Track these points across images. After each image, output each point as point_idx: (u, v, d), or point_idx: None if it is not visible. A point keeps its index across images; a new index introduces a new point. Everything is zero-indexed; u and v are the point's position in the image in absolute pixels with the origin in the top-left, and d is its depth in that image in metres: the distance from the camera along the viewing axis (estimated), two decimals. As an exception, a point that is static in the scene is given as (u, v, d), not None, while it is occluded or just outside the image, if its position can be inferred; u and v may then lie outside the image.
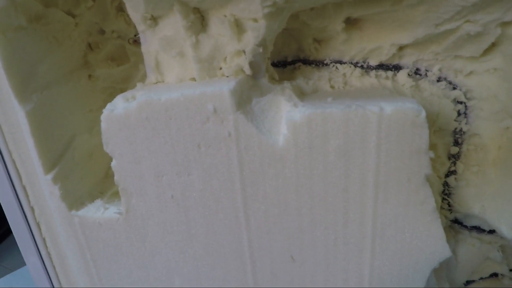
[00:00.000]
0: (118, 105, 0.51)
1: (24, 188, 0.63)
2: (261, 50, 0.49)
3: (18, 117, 0.55)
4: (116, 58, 0.71)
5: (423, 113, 0.41)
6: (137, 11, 0.50)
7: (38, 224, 0.67)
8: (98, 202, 0.62)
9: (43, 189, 0.60)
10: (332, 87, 0.58)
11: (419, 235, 0.46)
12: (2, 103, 0.55)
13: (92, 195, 0.64)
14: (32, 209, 0.65)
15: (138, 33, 0.69)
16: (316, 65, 0.62)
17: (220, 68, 0.52)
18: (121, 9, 0.67)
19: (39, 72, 0.57)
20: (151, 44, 0.54)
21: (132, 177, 0.53)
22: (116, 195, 0.66)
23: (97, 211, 0.60)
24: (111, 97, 0.72)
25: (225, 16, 0.48)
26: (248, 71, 0.49)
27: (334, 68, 0.60)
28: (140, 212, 0.56)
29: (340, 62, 0.60)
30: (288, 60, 0.63)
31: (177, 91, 0.46)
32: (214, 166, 0.49)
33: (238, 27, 0.48)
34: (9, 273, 1.18)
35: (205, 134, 0.47)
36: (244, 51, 0.49)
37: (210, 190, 0.51)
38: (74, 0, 0.61)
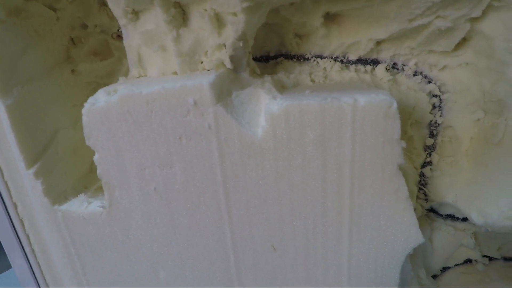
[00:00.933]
0: (100, 99, 0.51)
1: (6, 184, 0.63)
2: (241, 44, 0.50)
3: (-1, 111, 0.55)
4: (100, 53, 0.71)
5: (395, 105, 0.42)
6: (118, 5, 0.51)
7: (21, 221, 0.67)
8: (82, 196, 0.62)
9: (25, 184, 0.60)
10: (312, 80, 0.60)
11: (394, 223, 0.48)
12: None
13: (76, 189, 0.64)
14: (15, 205, 0.65)
15: (119, 29, 0.70)
16: (298, 59, 0.63)
17: (201, 62, 0.53)
18: (103, 3, 0.66)
19: (20, 66, 0.57)
20: (133, 38, 0.54)
21: (114, 170, 0.53)
22: (100, 189, 0.66)
23: (81, 206, 0.60)
24: (94, 91, 0.72)
25: (205, 10, 0.49)
26: (228, 65, 0.50)
27: (315, 62, 0.61)
28: (123, 205, 0.56)
29: (321, 57, 0.61)
30: (271, 55, 0.65)
31: (158, 84, 0.47)
32: (196, 158, 0.50)
33: (218, 21, 0.49)
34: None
35: (186, 127, 0.48)
36: (224, 45, 0.50)
37: (192, 182, 0.51)
38: (53, -6, 0.61)
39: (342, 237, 0.50)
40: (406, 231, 0.48)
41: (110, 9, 0.66)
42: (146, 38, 0.52)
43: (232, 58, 0.51)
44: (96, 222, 0.59)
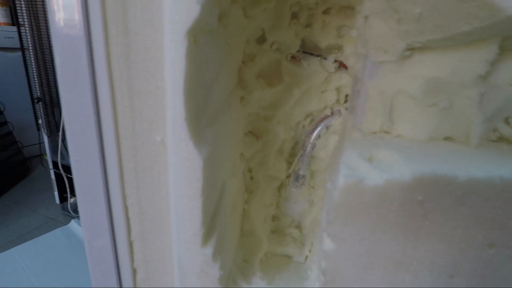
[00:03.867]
0: (361, 169, 0.34)
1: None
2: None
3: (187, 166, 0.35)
4: (267, 76, 0.53)
5: None
6: (404, 38, 0.34)
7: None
8: (257, 280, 0.44)
9: (193, 269, 0.41)
10: None
11: None
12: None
13: (238, 266, 0.46)
14: None
15: (301, 50, 0.53)
16: None
17: (494, 130, 0.38)
18: (296, 16, 0.49)
19: (213, 95, 0.38)
20: (391, 81, 0.38)
21: (352, 272, 0.37)
22: (267, 266, 0.48)
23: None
24: (250, 126, 0.55)
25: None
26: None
27: None
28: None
29: None
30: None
31: (486, 169, 0.31)
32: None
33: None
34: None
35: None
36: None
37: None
38: (254, -3, 0.43)
39: None
40: None
41: (300, 24, 0.50)
42: (429, 87, 0.36)
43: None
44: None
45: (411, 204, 0.33)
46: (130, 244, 0.47)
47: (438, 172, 0.32)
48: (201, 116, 0.36)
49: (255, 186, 0.58)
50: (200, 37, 0.33)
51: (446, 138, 0.38)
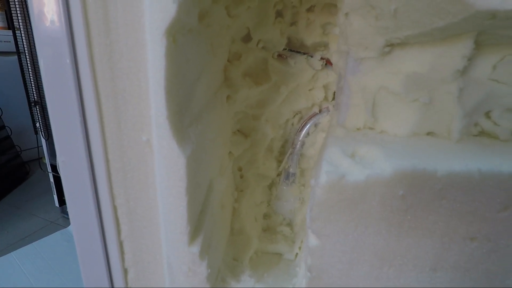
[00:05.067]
0: (343, 166, 0.35)
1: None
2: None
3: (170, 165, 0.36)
4: (254, 75, 0.53)
5: None
6: (383, 34, 0.35)
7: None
8: (248, 280, 0.44)
9: (180, 268, 0.41)
10: None
11: None
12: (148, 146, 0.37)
13: (228, 265, 0.46)
14: None
15: (287, 48, 0.54)
16: None
17: (476, 125, 0.38)
18: (280, 14, 0.50)
19: (195, 95, 0.39)
20: (373, 77, 0.38)
21: (337, 267, 0.37)
22: (257, 263, 0.49)
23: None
24: (238, 124, 0.55)
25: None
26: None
27: None
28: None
29: None
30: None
31: (465, 163, 0.31)
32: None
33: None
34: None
35: (495, 225, 0.33)
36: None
37: None
38: (237, -4, 0.43)
39: None
40: None
41: (285, 22, 0.50)
42: (409, 82, 0.36)
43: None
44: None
45: (393, 199, 0.33)
46: (120, 244, 0.47)
47: (418, 167, 0.32)
48: (183, 115, 0.36)
49: (245, 185, 0.58)
50: (179, 36, 0.33)
51: (429, 133, 0.38)
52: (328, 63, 0.53)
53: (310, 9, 0.49)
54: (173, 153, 0.35)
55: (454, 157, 0.33)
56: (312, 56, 0.53)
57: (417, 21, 0.31)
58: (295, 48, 0.53)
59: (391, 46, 0.36)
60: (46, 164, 1.84)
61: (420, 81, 0.36)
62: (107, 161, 0.42)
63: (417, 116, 0.37)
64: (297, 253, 0.54)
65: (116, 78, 0.38)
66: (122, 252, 0.48)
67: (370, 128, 0.41)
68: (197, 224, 0.40)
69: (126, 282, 0.50)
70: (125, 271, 0.49)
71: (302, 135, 0.57)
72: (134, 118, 0.39)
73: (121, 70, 0.37)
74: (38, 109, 1.73)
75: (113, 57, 0.37)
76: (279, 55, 0.54)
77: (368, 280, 0.37)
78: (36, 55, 1.60)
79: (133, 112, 0.39)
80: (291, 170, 0.59)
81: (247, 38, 0.50)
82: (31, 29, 1.55)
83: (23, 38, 1.59)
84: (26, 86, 1.70)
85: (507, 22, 0.29)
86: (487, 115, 0.37)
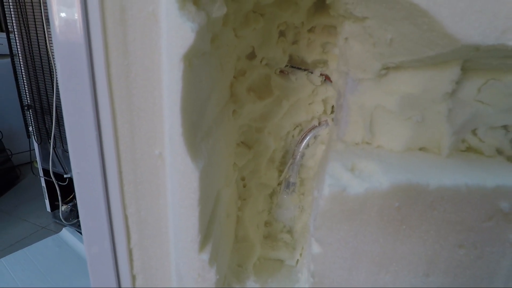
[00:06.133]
0: (344, 179, 0.38)
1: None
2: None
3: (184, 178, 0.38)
4: (257, 90, 0.56)
5: None
6: (379, 59, 0.38)
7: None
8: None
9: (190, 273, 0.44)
10: None
11: None
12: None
13: (233, 271, 0.49)
14: None
15: (289, 64, 0.57)
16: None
17: (463, 141, 0.42)
18: (283, 34, 0.53)
19: (207, 111, 0.41)
20: (370, 97, 0.42)
21: (339, 274, 0.40)
22: (260, 270, 0.51)
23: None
24: (243, 137, 0.58)
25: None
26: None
27: None
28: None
29: None
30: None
31: (453, 177, 0.35)
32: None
33: None
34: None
35: (481, 234, 0.36)
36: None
37: None
38: (244, 19, 0.46)
39: None
40: None
41: (287, 41, 0.54)
42: (404, 103, 0.40)
43: None
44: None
45: (389, 210, 0.37)
46: (130, 252, 0.49)
47: (412, 181, 0.35)
48: (196, 131, 0.39)
49: (248, 193, 0.61)
50: (194, 60, 0.36)
51: (421, 149, 0.42)
52: (327, 79, 0.56)
53: (311, 30, 0.52)
54: (187, 168, 0.37)
55: (444, 172, 0.37)
56: (312, 72, 0.56)
57: (410, 50, 0.34)
58: (296, 65, 0.57)
59: (387, 69, 0.39)
60: (38, 168, 1.83)
61: (413, 101, 0.40)
62: (120, 172, 0.44)
63: (411, 133, 0.41)
64: (298, 260, 0.57)
65: (132, 96, 0.40)
66: (131, 259, 0.50)
67: (367, 143, 0.44)
68: (207, 232, 0.43)
69: (134, 288, 0.51)
70: (134, 277, 0.51)
71: (302, 147, 0.60)
72: (147, 133, 0.41)
73: (137, 89, 0.39)
74: (31, 113, 1.72)
75: (129, 77, 0.39)
76: (281, 71, 0.57)
77: (367, 285, 0.41)
78: (30, 58, 1.59)
79: (146, 128, 0.41)
80: (291, 179, 0.62)
81: (251, 56, 0.53)
82: (26, 32, 1.55)
83: (17, 40, 1.59)
84: (19, 89, 1.69)
85: (489, 53, 0.33)
86: (474, 132, 0.41)
